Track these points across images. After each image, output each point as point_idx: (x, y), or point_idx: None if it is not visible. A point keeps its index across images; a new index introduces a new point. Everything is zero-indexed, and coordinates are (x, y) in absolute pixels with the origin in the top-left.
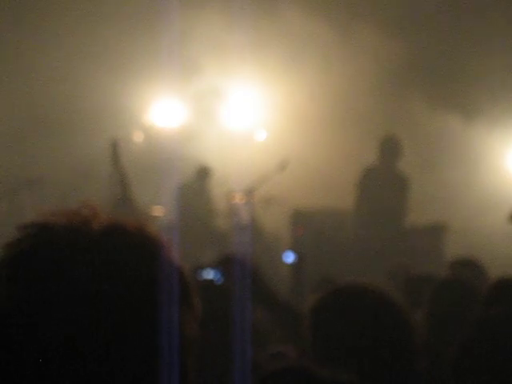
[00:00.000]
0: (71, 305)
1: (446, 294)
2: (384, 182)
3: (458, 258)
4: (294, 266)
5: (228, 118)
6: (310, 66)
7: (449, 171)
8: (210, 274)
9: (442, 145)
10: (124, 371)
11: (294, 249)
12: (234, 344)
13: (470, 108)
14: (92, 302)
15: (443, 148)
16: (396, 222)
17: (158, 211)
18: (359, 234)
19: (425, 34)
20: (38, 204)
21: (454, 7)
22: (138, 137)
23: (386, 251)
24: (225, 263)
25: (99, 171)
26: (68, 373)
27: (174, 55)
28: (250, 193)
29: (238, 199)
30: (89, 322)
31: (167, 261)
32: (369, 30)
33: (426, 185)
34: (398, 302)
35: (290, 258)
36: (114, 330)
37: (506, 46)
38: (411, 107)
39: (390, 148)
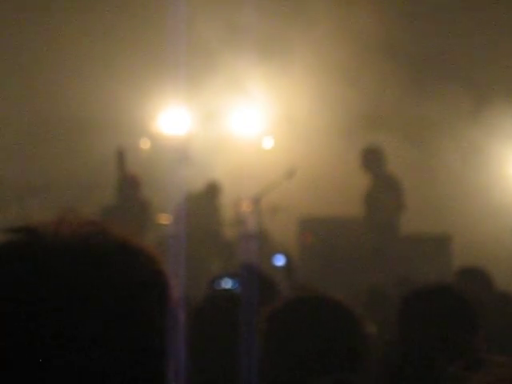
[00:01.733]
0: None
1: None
2: (379, 190)
3: (463, 268)
4: (284, 268)
5: (235, 126)
6: (318, 74)
7: (453, 180)
8: (228, 284)
9: (447, 153)
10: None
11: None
12: (244, 351)
13: (473, 114)
14: (58, 317)
15: (448, 157)
16: (402, 231)
17: (164, 219)
18: (366, 242)
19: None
20: (45, 211)
21: None
22: (144, 144)
23: (391, 259)
24: (243, 272)
25: (106, 178)
26: None
27: (181, 62)
28: (257, 201)
29: (245, 207)
30: (52, 336)
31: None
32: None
33: (430, 194)
34: (350, 312)
35: (280, 260)
36: (90, 343)
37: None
38: (417, 114)
39: (371, 158)
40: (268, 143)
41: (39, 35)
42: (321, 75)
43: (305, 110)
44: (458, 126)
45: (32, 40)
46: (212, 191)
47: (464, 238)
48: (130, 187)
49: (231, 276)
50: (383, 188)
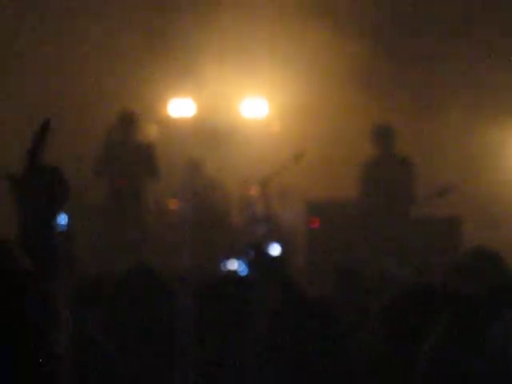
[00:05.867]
0: None
1: None
2: (389, 171)
3: (472, 248)
4: (279, 258)
5: (243, 110)
6: (326, 56)
7: (463, 160)
8: (234, 265)
9: (456, 133)
10: None
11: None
12: (253, 331)
13: (484, 95)
14: None
15: (457, 136)
16: (411, 214)
17: (172, 204)
18: (373, 225)
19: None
20: None
21: None
22: (152, 130)
23: (400, 242)
24: (251, 253)
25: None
26: None
27: (188, 46)
28: (265, 184)
29: (253, 191)
30: None
31: None
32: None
33: (439, 174)
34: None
35: (276, 250)
36: None
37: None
38: (425, 96)
39: (384, 135)
40: (276, 126)
41: (41, 18)
42: (329, 59)
43: (313, 93)
44: (465, 107)
45: (33, 23)
46: (192, 167)
47: (473, 220)
48: (126, 124)
49: (238, 257)
50: (397, 172)
